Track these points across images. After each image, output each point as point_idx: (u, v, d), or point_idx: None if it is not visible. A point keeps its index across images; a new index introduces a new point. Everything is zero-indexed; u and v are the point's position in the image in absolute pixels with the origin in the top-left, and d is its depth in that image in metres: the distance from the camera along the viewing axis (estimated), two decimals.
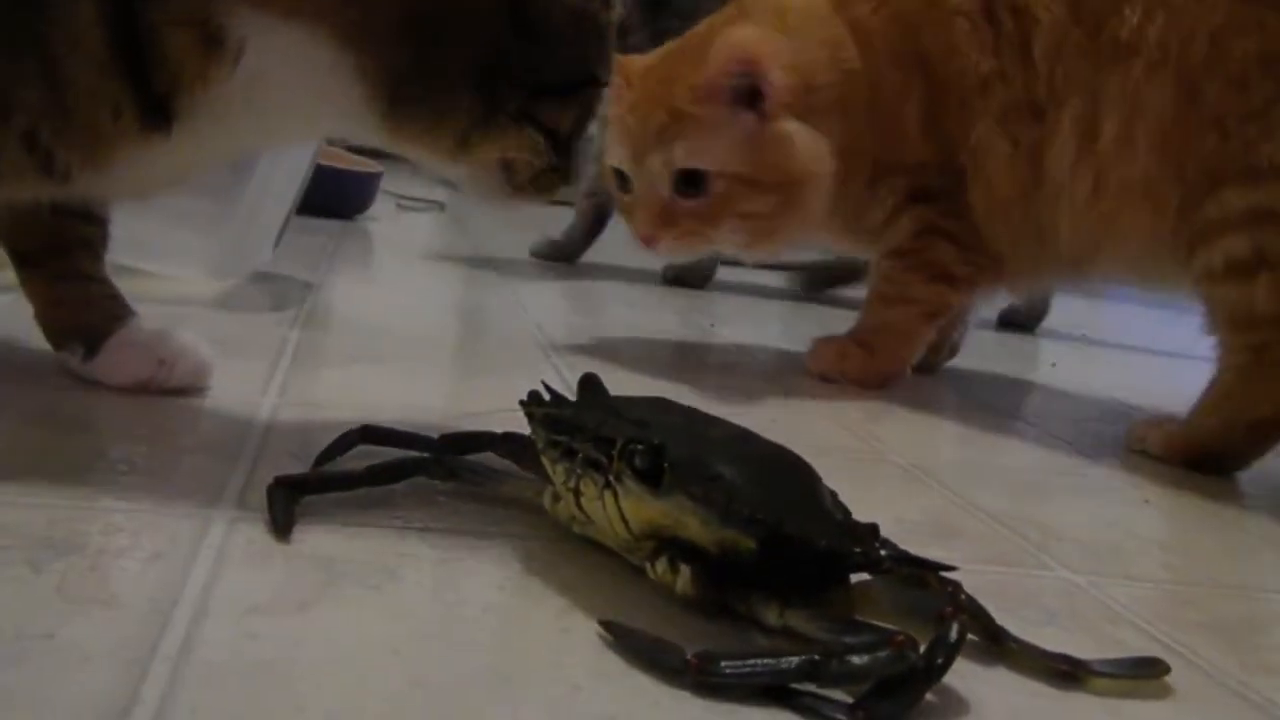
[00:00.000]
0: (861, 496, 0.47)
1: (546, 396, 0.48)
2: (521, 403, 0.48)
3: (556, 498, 0.46)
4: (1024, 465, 0.77)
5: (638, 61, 0.90)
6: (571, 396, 0.49)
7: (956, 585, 0.40)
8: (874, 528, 0.43)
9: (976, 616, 0.41)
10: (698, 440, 0.43)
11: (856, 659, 0.35)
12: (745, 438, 0.46)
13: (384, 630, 0.37)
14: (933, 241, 0.92)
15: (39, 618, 0.35)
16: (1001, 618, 0.42)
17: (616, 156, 0.89)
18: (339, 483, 0.48)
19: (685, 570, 0.40)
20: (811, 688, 0.36)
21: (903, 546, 0.44)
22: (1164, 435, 0.80)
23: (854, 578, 0.42)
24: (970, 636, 0.39)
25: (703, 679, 0.35)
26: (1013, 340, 1.44)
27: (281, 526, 0.44)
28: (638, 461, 0.40)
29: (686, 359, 1.01)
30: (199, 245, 0.91)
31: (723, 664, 0.36)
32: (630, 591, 0.43)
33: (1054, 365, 1.28)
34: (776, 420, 0.76)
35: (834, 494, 0.45)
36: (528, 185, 0.52)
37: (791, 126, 0.84)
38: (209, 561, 0.41)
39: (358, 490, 0.48)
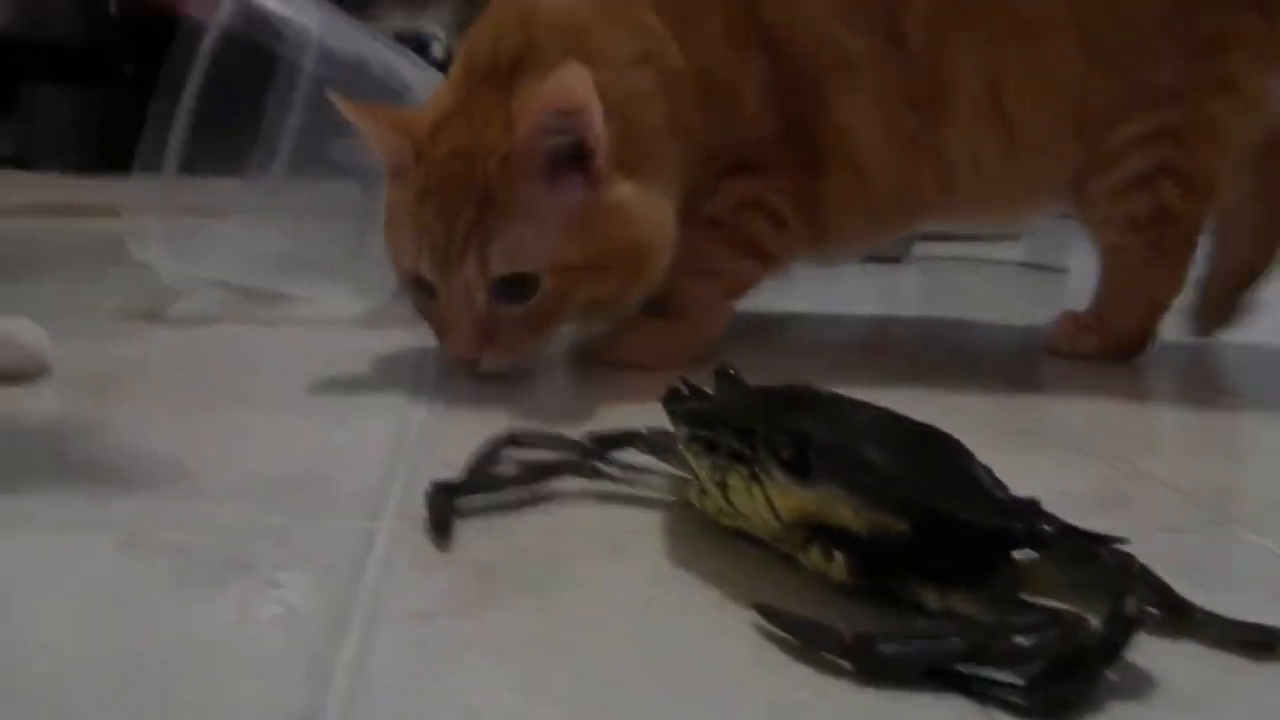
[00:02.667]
0: (1018, 471, 0.45)
1: (685, 392, 0.48)
2: (662, 401, 0.48)
3: (703, 492, 0.46)
4: (1193, 426, 0.73)
5: (420, 119, 0.71)
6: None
7: (1129, 557, 0.38)
8: (1034, 501, 0.42)
9: (1154, 588, 0.39)
10: (842, 424, 0.43)
11: (1023, 639, 0.34)
12: (890, 418, 0.45)
13: (546, 629, 0.38)
14: (751, 216, 0.82)
15: (225, 631, 0.37)
16: (1183, 588, 0.40)
17: (413, 261, 0.69)
18: (492, 484, 0.49)
19: (840, 557, 0.40)
20: (980, 670, 0.35)
21: (1068, 520, 0.42)
22: None
23: (1020, 555, 0.41)
24: (1151, 610, 0.38)
25: (861, 661, 0.35)
26: None
27: (441, 532, 0.45)
28: (783, 452, 0.40)
29: (820, 341, 0.99)
30: (343, 268, 0.95)
31: (881, 646, 0.35)
32: (784, 579, 0.42)
33: None
34: (919, 397, 0.74)
35: (989, 469, 0.43)
36: None
37: (625, 191, 0.69)
38: (376, 571, 0.42)
39: (509, 493, 0.50)
